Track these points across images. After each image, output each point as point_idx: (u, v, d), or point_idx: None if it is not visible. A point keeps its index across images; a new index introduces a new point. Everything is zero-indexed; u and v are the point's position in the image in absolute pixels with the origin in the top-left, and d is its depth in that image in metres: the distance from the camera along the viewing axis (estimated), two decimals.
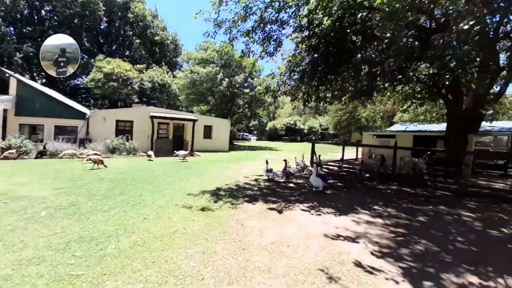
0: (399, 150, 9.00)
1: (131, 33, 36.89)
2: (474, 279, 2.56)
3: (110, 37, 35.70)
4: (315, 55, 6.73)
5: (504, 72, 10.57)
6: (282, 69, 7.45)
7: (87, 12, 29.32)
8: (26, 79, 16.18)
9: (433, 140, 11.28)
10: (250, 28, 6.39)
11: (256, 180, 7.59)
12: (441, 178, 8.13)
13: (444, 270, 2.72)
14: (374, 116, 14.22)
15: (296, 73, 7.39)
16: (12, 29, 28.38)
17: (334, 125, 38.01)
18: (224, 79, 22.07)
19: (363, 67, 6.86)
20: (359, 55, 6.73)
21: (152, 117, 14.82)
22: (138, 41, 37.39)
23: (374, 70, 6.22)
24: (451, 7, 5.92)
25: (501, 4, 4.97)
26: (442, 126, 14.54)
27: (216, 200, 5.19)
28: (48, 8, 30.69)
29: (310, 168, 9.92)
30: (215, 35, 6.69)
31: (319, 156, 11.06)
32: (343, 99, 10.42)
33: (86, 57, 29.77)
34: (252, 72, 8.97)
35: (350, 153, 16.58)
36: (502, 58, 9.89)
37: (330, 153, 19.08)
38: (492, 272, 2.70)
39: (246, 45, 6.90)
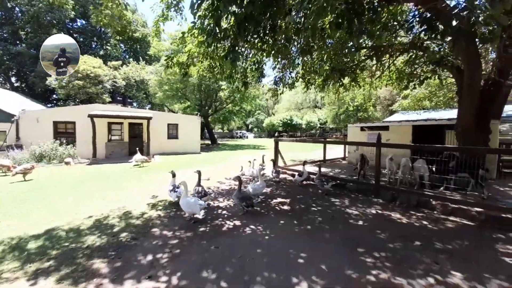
0: (388, 147, 6.04)
1: (109, 30, 34.48)
2: None
3: (85, 34, 33.39)
4: None
5: None
6: (191, 30, 4.54)
7: (54, 8, 26.97)
8: None
9: (441, 131, 8.21)
10: None
11: (154, 205, 4.82)
12: (454, 191, 5.16)
13: None
14: (364, 104, 11.19)
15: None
16: None
17: (332, 118, 34.81)
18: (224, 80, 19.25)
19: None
20: None
21: (91, 116, 12.23)
22: (118, 38, 35.02)
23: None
24: None
25: None
26: (454, 113, 11.38)
27: None
28: (19, 9, 28.59)
29: (266, 173, 7.12)
30: None
31: (267, 159, 8.24)
32: (308, 78, 7.55)
33: None
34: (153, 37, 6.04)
35: (338, 151, 13.57)
36: None
37: (317, 150, 16.06)
38: None
39: None
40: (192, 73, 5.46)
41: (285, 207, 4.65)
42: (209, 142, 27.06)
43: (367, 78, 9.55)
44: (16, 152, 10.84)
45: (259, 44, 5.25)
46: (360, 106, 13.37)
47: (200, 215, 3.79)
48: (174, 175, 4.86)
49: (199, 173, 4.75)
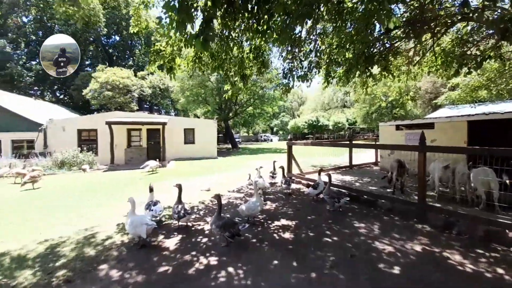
0: (437, 151, 4.46)
1: (138, 42, 36.71)
2: None
3: (118, 48, 35.93)
4: None
5: None
6: None
7: (89, 26, 29.40)
8: None
9: (509, 128, 6.15)
10: None
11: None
12: None
13: None
14: (400, 98, 9.22)
15: None
16: (24, 49, 30.22)
17: (363, 117, 31.97)
18: (211, 73, 18.96)
19: None
20: None
21: (109, 123, 12.37)
22: (142, 49, 37.06)
23: None
24: None
25: None
26: None
27: None
28: (58, 27, 31.92)
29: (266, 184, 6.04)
30: None
31: (280, 166, 7.01)
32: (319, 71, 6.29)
33: (91, 70, 29.98)
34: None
35: (369, 155, 11.70)
36: None
37: (346, 153, 14.16)
38: None
39: None
40: (178, 65, 4.60)
41: (287, 235, 3.46)
42: (229, 146, 26.60)
43: (402, 66, 7.84)
44: (39, 160, 11.34)
45: (254, 25, 4.21)
46: (395, 101, 11.24)
47: (144, 235, 2.98)
48: (151, 189, 4.02)
49: (179, 188, 3.82)
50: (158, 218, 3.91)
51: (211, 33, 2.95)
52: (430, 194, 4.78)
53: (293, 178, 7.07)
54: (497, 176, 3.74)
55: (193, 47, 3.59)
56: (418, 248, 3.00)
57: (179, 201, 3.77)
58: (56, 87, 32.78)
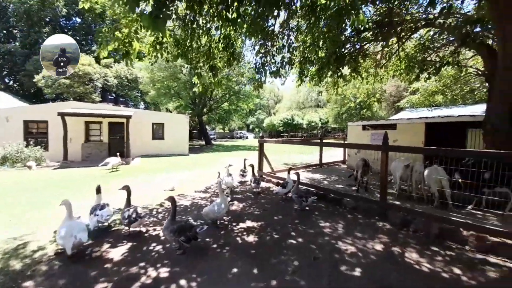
0: (400, 151, 4.61)
1: (102, 26, 33.52)
2: None
3: (79, 32, 32.47)
4: None
5: None
6: None
7: (45, 5, 26.07)
8: None
9: (461, 131, 6.71)
10: None
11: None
12: (486, 212, 3.71)
13: None
14: (367, 99, 9.71)
15: None
16: None
17: (334, 117, 33.35)
18: (184, 65, 18.07)
19: None
20: None
21: (61, 114, 10.98)
22: None
23: None
24: None
25: None
26: (474, 109, 9.84)
27: None
28: (13, 6, 27.79)
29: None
30: None
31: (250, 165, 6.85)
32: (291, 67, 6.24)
33: None
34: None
35: (338, 153, 12.11)
36: None
37: (316, 152, 14.50)
38: None
39: None
40: (135, 50, 4.05)
41: (251, 238, 3.26)
42: (203, 142, 25.80)
43: (370, 68, 8.14)
44: None
45: (223, 12, 3.90)
46: (363, 102, 11.79)
47: (69, 251, 2.60)
48: (98, 191, 3.51)
49: (127, 190, 3.38)
50: (105, 223, 3.44)
51: (165, 11, 2.58)
52: (391, 192, 4.97)
53: (263, 176, 6.94)
54: (451, 175, 3.96)
55: (144, 27, 3.14)
56: (378, 247, 3.00)
57: (128, 204, 3.33)
58: (5, 72, 28.53)
